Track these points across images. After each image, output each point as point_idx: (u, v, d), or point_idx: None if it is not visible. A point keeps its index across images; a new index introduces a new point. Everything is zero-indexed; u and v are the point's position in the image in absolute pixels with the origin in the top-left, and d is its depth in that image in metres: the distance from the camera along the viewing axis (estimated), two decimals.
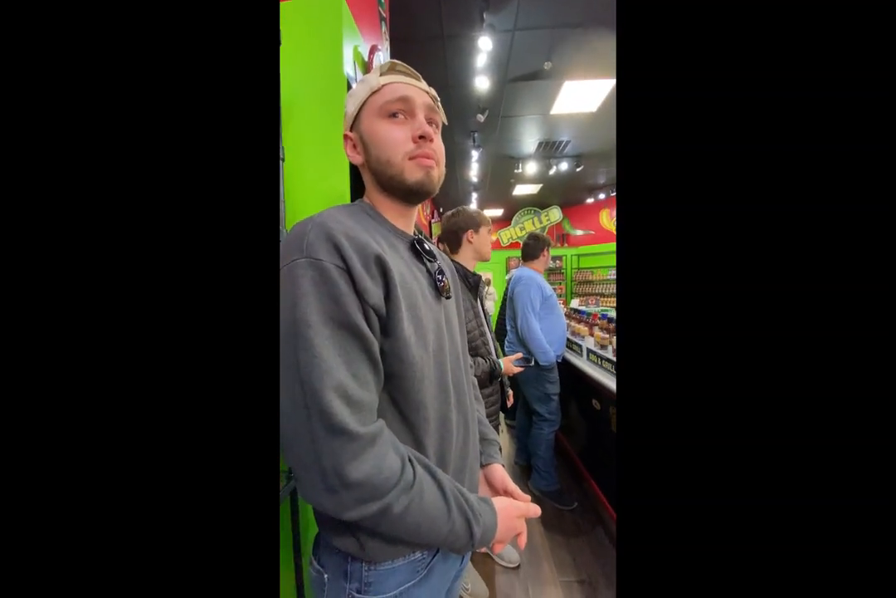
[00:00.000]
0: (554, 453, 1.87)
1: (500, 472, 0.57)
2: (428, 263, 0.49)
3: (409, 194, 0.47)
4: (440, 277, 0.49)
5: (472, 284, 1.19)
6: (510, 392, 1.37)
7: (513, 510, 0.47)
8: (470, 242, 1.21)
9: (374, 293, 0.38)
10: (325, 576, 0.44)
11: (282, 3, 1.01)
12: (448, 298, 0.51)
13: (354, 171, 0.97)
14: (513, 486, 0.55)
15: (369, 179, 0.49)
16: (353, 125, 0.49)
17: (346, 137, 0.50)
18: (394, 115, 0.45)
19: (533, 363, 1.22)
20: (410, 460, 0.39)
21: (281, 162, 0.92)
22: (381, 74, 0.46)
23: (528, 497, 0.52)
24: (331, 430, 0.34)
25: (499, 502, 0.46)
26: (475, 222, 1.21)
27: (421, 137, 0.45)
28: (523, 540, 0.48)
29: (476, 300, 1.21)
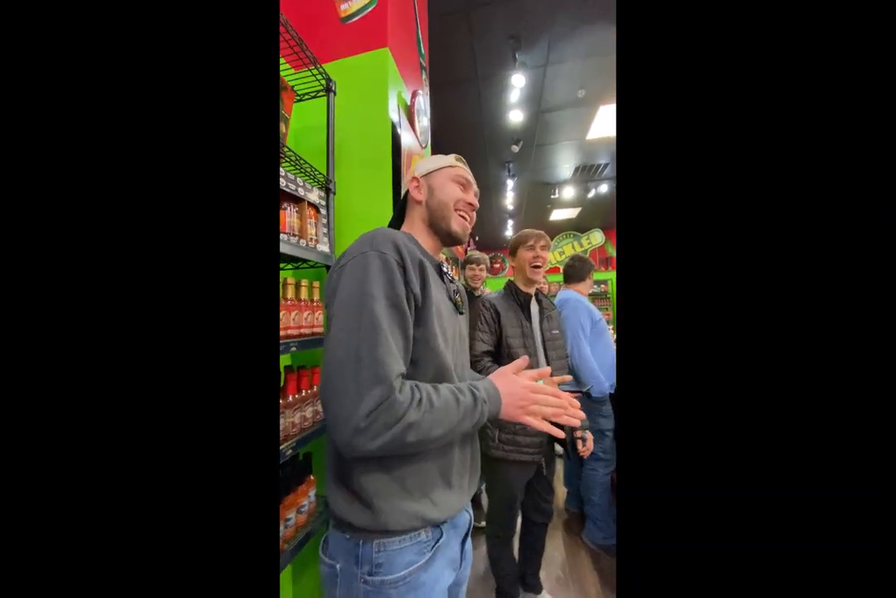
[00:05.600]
0: (612, 498, 1.67)
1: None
2: (448, 283, 0.62)
3: (446, 236, 0.62)
4: (455, 295, 0.63)
5: (523, 303, 1.21)
6: (580, 435, 1.07)
7: (507, 371, 0.53)
8: (513, 267, 1.32)
9: (416, 285, 0.50)
10: (338, 566, 0.49)
11: (338, 61, 1.23)
12: (461, 313, 0.63)
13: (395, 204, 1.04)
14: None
15: (420, 213, 0.63)
16: (426, 176, 0.64)
17: (414, 178, 0.64)
18: (459, 184, 0.64)
19: (581, 394, 1.11)
20: (417, 386, 0.46)
21: (332, 194, 1.02)
22: (455, 160, 0.66)
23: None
24: (377, 378, 0.42)
25: (490, 374, 0.55)
26: (510, 251, 1.31)
27: (469, 204, 0.63)
28: (555, 412, 0.52)
29: (527, 320, 1.19)
